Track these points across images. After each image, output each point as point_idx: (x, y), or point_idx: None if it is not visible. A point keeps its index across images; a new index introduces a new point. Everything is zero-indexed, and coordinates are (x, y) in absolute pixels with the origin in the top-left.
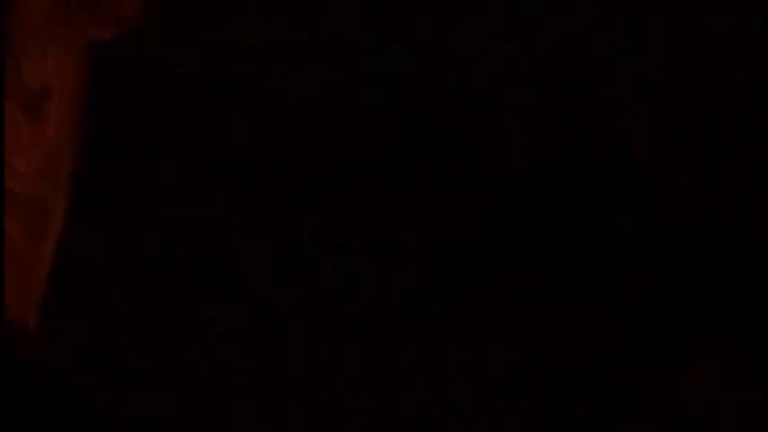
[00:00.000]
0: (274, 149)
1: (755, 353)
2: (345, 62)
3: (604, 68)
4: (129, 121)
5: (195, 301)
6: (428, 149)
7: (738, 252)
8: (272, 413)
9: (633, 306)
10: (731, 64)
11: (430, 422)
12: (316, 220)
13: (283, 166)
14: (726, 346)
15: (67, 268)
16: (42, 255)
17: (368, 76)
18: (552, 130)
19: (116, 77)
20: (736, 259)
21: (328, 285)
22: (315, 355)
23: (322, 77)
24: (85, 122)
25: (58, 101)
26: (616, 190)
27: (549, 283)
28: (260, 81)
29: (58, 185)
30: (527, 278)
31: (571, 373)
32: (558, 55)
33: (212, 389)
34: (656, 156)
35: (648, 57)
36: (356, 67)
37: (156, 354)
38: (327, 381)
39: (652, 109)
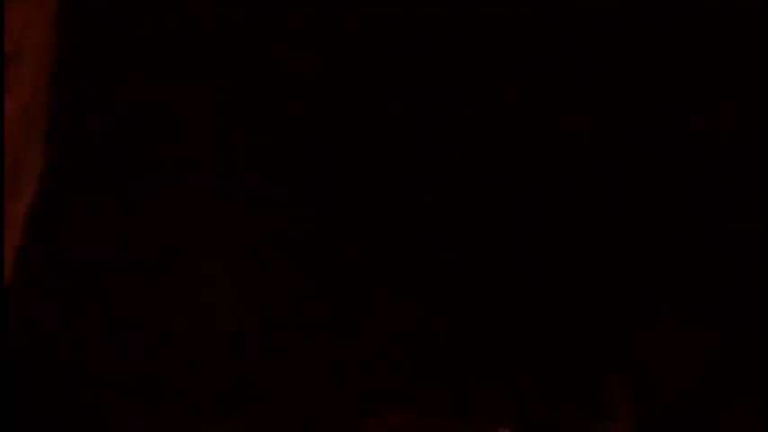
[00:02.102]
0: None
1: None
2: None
3: None
4: (103, 77)
5: (173, 265)
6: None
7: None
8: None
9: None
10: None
11: None
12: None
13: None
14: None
15: (43, 227)
16: (17, 210)
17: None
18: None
19: (88, 32)
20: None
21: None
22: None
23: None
24: (58, 80)
25: (30, 57)
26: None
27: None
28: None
29: (32, 142)
30: (526, 252)
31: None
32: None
33: (186, 347)
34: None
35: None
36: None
37: (130, 316)
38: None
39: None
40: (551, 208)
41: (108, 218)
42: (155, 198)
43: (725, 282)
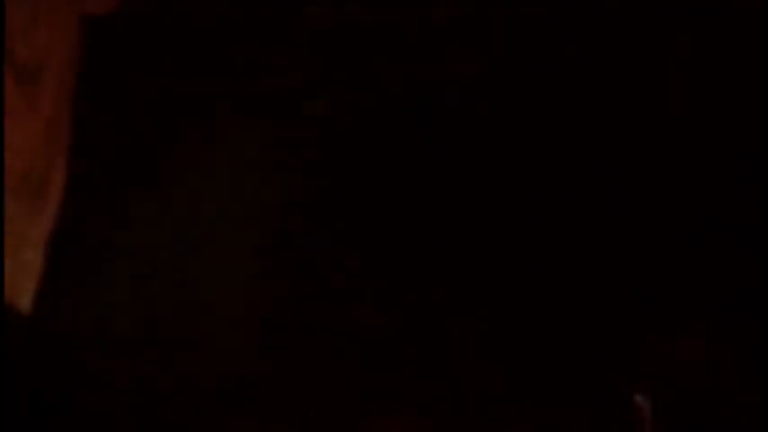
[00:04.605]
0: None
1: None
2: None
3: None
4: (126, 94)
5: (193, 283)
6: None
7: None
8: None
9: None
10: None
11: None
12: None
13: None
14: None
15: (66, 244)
16: (40, 227)
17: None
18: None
19: (111, 51)
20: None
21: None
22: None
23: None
24: (81, 95)
25: (53, 73)
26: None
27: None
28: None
29: (56, 158)
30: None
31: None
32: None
33: (203, 364)
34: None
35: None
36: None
37: (153, 332)
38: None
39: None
40: (560, 211)
41: (109, 218)
42: (156, 199)
43: (738, 288)
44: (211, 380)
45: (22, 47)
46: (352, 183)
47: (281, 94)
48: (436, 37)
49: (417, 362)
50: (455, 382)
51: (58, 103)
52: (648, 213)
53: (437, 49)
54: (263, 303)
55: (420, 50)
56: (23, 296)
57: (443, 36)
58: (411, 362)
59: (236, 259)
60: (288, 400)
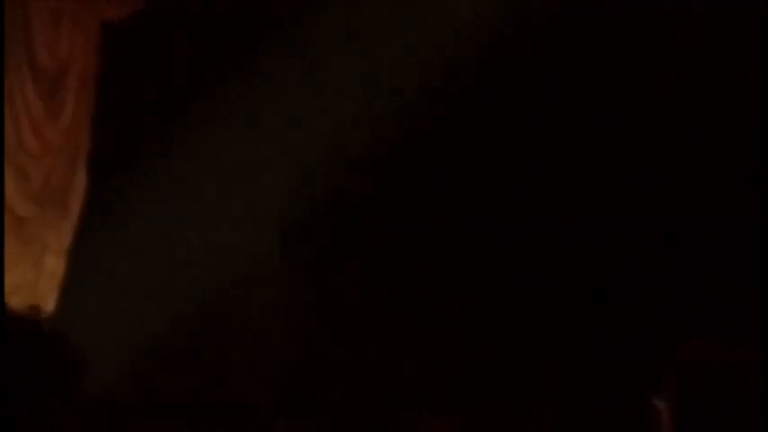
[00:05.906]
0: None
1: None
2: None
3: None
4: (146, 98)
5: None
6: None
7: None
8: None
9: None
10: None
11: None
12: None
13: None
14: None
15: (87, 251)
16: (62, 233)
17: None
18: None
19: (130, 56)
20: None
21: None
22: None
23: None
24: (102, 100)
25: (74, 80)
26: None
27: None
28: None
29: (76, 163)
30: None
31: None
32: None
33: (208, 368)
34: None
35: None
36: None
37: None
38: None
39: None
40: (567, 211)
41: (114, 223)
42: (160, 200)
43: (755, 289)
44: (213, 382)
45: (45, 55)
46: (353, 183)
47: (283, 97)
48: (437, 37)
49: (452, 371)
50: (467, 381)
51: (77, 109)
52: (659, 215)
53: (437, 49)
54: (265, 305)
55: (420, 50)
56: (45, 301)
57: (443, 36)
58: (446, 371)
59: (239, 260)
60: (287, 400)
